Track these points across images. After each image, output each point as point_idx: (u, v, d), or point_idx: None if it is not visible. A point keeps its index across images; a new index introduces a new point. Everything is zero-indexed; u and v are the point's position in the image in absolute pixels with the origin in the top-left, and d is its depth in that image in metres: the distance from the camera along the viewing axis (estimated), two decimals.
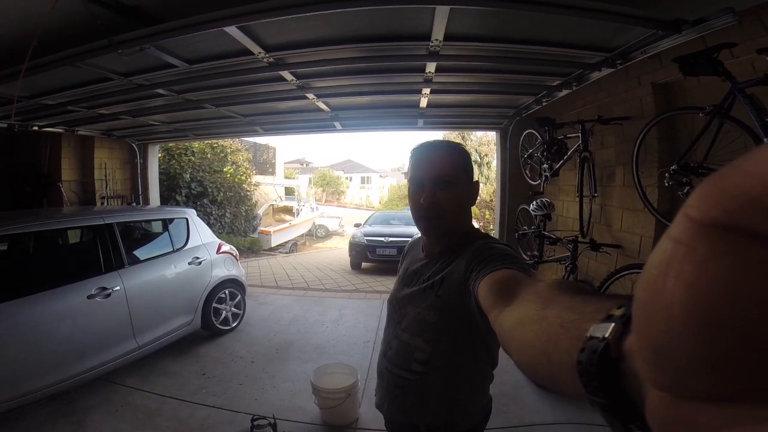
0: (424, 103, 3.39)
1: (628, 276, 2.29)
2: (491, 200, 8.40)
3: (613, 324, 0.24)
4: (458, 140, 13.30)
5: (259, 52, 2.16)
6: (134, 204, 5.28)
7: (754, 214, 0.13)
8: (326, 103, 3.45)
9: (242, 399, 2.60)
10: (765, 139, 1.42)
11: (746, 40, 1.64)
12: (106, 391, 2.61)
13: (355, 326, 3.97)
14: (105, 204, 5.01)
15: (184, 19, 1.77)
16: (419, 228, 0.95)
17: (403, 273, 1.04)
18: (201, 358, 3.22)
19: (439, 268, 0.90)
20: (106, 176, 5.06)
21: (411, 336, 0.93)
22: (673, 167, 1.89)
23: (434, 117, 4.11)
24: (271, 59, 2.28)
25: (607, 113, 2.70)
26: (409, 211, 0.99)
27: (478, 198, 1.02)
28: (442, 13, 1.69)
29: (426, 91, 2.98)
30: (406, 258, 1.10)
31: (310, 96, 3.10)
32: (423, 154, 0.93)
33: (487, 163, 13.81)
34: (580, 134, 2.82)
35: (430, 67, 2.42)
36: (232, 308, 3.78)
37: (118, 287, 2.67)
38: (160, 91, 2.84)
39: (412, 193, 0.92)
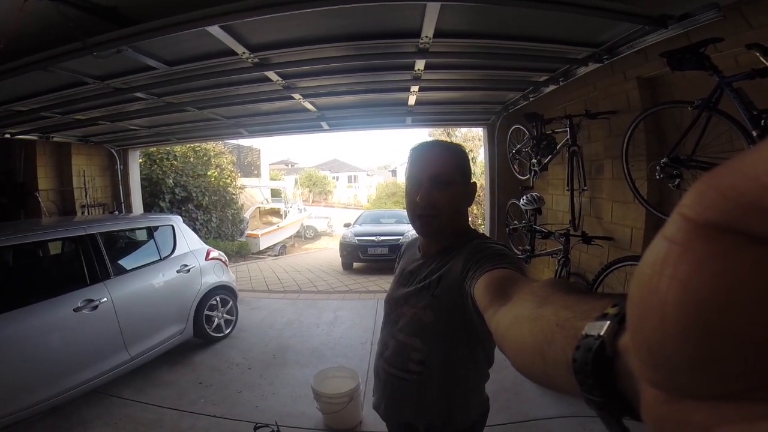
0: (412, 100, 3.37)
1: (623, 268, 2.33)
2: (478, 195, 8.45)
3: (608, 322, 0.24)
4: (443, 137, 13.37)
5: (243, 53, 2.11)
6: (116, 212, 5.12)
7: (749, 216, 0.13)
8: (313, 103, 3.40)
9: (243, 407, 2.55)
10: (753, 132, 1.45)
11: (729, 35, 1.67)
12: (104, 404, 2.55)
13: (351, 327, 3.95)
14: (86, 213, 4.84)
15: (163, 19, 1.71)
16: (414, 227, 0.94)
17: (400, 273, 1.04)
18: (197, 366, 3.16)
19: (435, 268, 0.90)
20: (85, 184, 4.88)
21: (407, 336, 0.93)
22: (663, 160, 1.92)
23: (422, 114, 4.10)
24: (255, 59, 2.22)
25: (593, 108, 2.73)
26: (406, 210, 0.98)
27: None
28: (432, 9, 1.67)
29: (415, 88, 2.97)
30: (403, 258, 1.10)
31: (296, 96, 3.05)
32: (421, 153, 0.93)
33: (472, 159, 13.91)
34: (568, 129, 2.84)
35: (419, 64, 2.40)
36: (225, 315, 3.71)
37: (105, 299, 2.58)
38: (139, 94, 2.74)
39: (408, 192, 0.92)
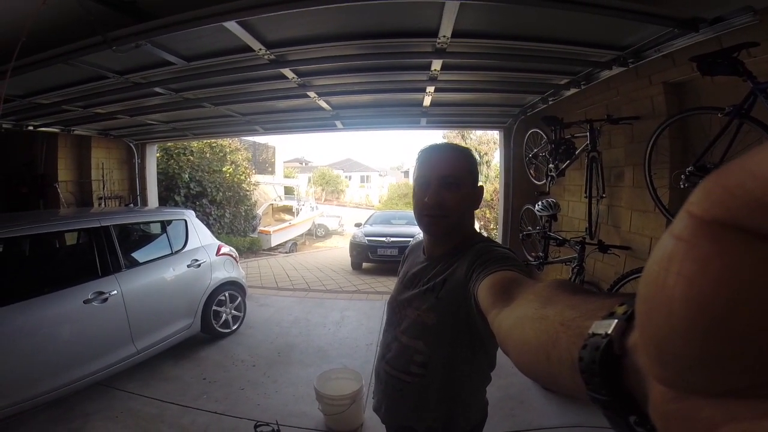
0: (427, 101, 3.33)
1: (639, 279, 2.23)
2: (492, 199, 8.33)
3: (615, 320, 0.24)
4: (458, 140, 13.27)
5: (260, 49, 2.10)
6: (131, 205, 5.21)
7: (755, 214, 0.13)
8: (327, 102, 3.39)
9: (244, 404, 2.54)
10: None
11: (764, 40, 1.59)
12: (107, 397, 2.56)
13: (357, 328, 3.92)
14: (102, 205, 4.94)
15: (181, 14, 1.71)
16: (421, 227, 0.94)
17: (404, 275, 1.04)
18: (202, 362, 3.16)
19: (440, 271, 0.90)
20: (103, 176, 4.99)
21: (410, 338, 0.92)
22: (689, 168, 1.84)
23: (437, 116, 4.05)
24: (272, 56, 2.22)
25: (615, 113, 2.64)
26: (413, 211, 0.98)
27: None
28: (451, 8, 1.63)
29: (430, 89, 2.92)
30: (407, 260, 1.10)
31: (312, 94, 3.04)
32: (430, 154, 0.93)
33: (486, 162, 13.76)
34: (588, 134, 2.76)
35: (436, 64, 2.36)
36: (233, 311, 3.72)
37: (115, 291, 2.61)
38: (158, 89, 2.78)
39: (416, 192, 0.92)
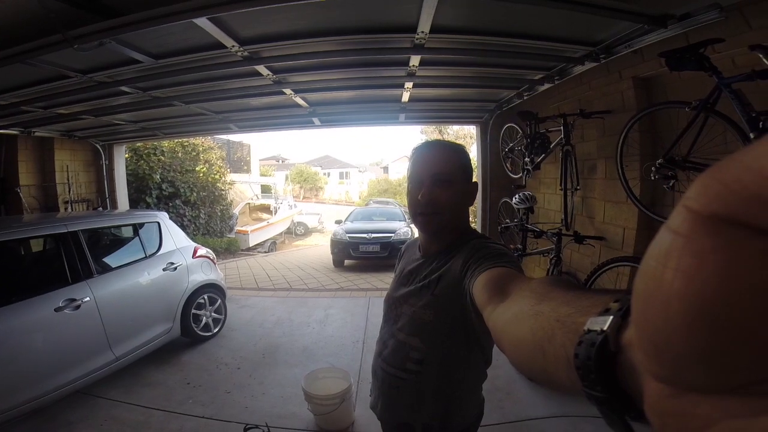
0: (406, 97, 3.32)
1: (615, 269, 2.33)
2: None
3: (611, 317, 0.24)
4: (435, 135, 13.36)
5: (233, 46, 2.04)
6: (100, 209, 4.98)
7: (752, 208, 0.13)
8: (304, 99, 3.33)
9: (232, 408, 2.50)
10: (751, 134, 1.44)
11: (728, 36, 1.66)
12: (89, 405, 2.49)
13: (343, 326, 3.91)
14: (69, 209, 4.70)
15: (149, 11, 1.63)
16: (416, 224, 0.95)
17: (400, 273, 1.04)
18: (184, 366, 3.09)
19: (435, 268, 0.90)
20: (68, 180, 4.72)
21: (407, 335, 0.93)
22: (659, 161, 1.92)
23: (416, 111, 4.06)
24: (245, 53, 2.15)
25: (587, 107, 2.72)
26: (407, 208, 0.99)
27: None
28: (430, 3, 1.63)
29: (409, 85, 2.92)
30: (403, 258, 1.10)
31: (288, 91, 2.98)
32: (423, 152, 0.94)
33: None
34: (562, 128, 2.83)
35: (414, 60, 2.36)
36: (213, 313, 3.64)
37: (87, 298, 2.51)
38: (124, 88, 2.65)
39: (410, 190, 0.93)
